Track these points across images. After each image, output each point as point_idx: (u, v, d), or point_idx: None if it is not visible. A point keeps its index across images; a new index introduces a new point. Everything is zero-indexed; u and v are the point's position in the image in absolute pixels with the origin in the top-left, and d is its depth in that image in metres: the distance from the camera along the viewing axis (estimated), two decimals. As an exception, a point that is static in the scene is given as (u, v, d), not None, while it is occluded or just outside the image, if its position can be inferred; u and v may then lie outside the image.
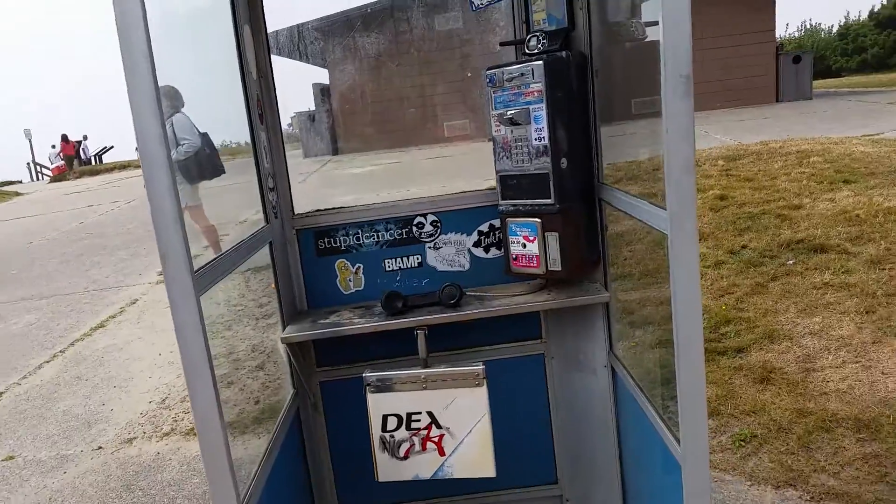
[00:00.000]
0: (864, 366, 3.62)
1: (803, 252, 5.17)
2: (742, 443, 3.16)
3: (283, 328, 2.41)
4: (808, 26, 38.10)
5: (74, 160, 28.67)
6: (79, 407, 4.71)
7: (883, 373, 3.53)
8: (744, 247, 5.47)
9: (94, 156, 30.56)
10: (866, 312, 4.14)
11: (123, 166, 25.89)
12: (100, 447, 4.08)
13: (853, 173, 7.04)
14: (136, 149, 1.44)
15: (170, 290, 1.45)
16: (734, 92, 18.34)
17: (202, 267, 1.64)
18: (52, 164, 30.81)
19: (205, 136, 6.61)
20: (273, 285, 2.90)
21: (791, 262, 5.05)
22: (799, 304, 4.41)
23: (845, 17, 36.55)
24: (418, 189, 10.98)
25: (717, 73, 17.67)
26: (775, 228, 5.73)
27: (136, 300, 7.19)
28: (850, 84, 25.47)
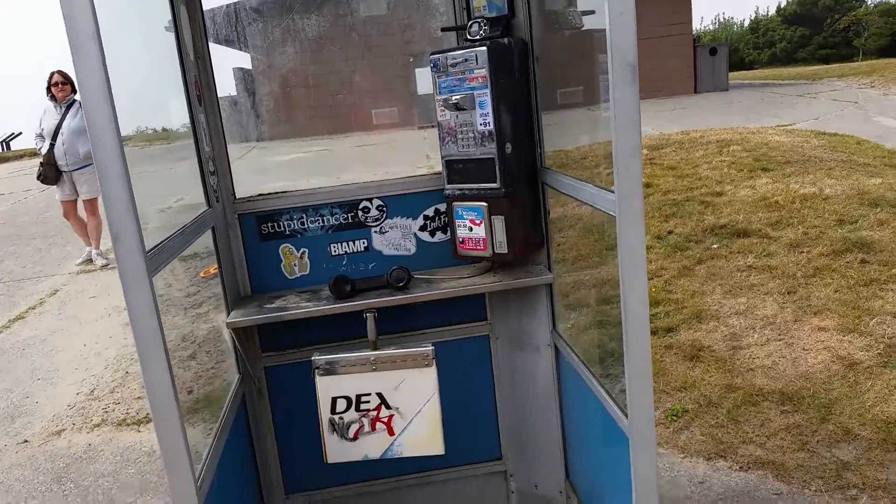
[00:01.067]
0: (786, 343, 3.85)
1: (727, 237, 5.43)
2: (675, 417, 3.31)
3: (228, 313, 2.37)
4: (721, 20, 39.77)
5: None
6: (1, 400, 4.49)
7: (804, 349, 3.76)
8: (670, 232, 5.70)
9: (2, 142, 28.86)
10: (787, 293, 4.39)
11: (34, 153, 24.54)
12: (25, 441, 3.91)
13: (770, 161, 7.42)
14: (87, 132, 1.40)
15: (122, 272, 1.42)
16: (655, 83, 18.95)
17: (153, 248, 1.60)
18: None
19: None
20: (203, 273, 2.83)
21: (715, 246, 5.29)
22: (724, 285, 4.64)
23: (755, 12, 38.40)
24: (349, 177, 10.89)
25: (639, 63, 18.19)
26: (699, 214, 5.99)
27: (57, 291, 6.87)
28: (763, 76, 26.76)
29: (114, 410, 4.16)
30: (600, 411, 2.01)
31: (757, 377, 3.54)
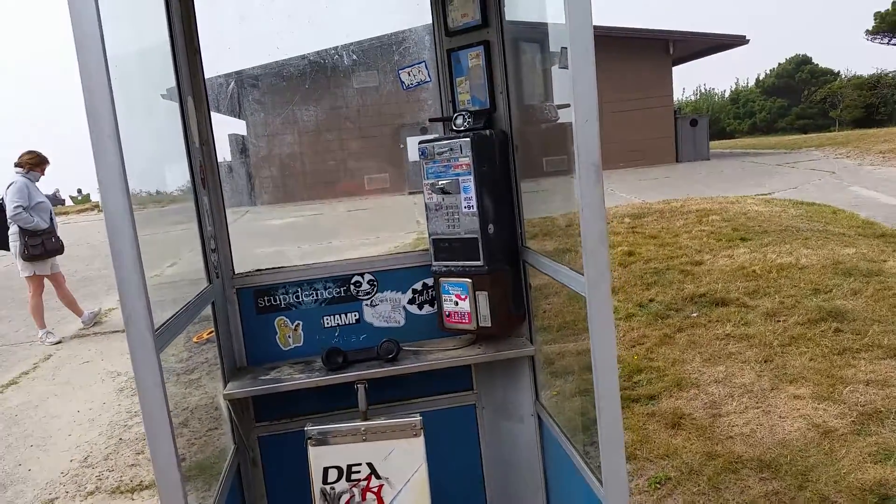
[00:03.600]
0: (764, 411, 3.96)
1: (706, 305, 5.59)
2: (657, 485, 3.39)
3: (225, 385, 2.48)
4: (702, 90, 41.13)
5: None
6: (-10, 469, 4.50)
7: (780, 416, 3.88)
8: (651, 300, 5.87)
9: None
10: (764, 361, 4.53)
11: None
12: (15, 511, 3.92)
13: (749, 231, 7.67)
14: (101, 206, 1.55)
15: (132, 350, 1.55)
16: (637, 152, 19.55)
17: (160, 326, 1.73)
18: None
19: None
20: (196, 338, 2.95)
21: (695, 314, 5.45)
22: (704, 353, 4.77)
23: (735, 83, 39.77)
24: (340, 242, 11.08)
25: (620, 133, 18.84)
26: (679, 283, 6.17)
27: (50, 356, 6.91)
28: (743, 145, 27.55)
29: (108, 478, 4.18)
30: (580, 482, 2.12)
31: (736, 444, 3.64)
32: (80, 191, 32.89)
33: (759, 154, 21.44)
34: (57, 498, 4.01)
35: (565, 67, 2.18)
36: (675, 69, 21.74)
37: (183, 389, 4.49)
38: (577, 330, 2.91)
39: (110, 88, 1.44)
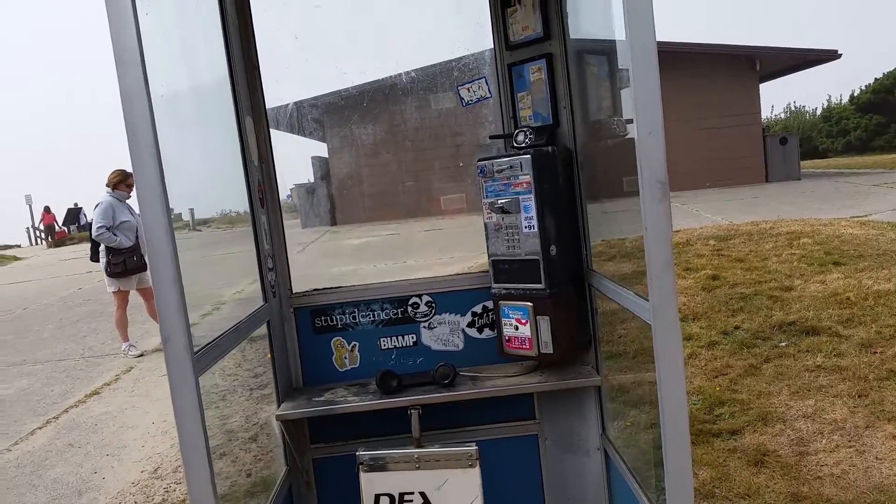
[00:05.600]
0: (857, 450, 3.62)
1: (795, 334, 5.22)
2: (735, 528, 3.13)
3: (279, 405, 2.44)
4: (792, 108, 39.27)
5: (54, 230, 29.20)
6: (70, 475, 4.65)
7: (877, 458, 3.53)
8: (737, 328, 5.52)
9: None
10: (858, 396, 4.16)
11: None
12: (88, 519, 4.02)
13: (843, 255, 7.16)
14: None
15: (170, 371, 1.51)
16: (724, 172, 18.83)
17: (202, 347, 1.70)
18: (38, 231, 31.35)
19: None
20: (269, 355, 2.94)
21: (783, 343, 5.09)
22: (792, 386, 4.43)
23: (827, 101, 37.77)
24: (414, 261, 11.10)
25: (706, 152, 18.21)
26: (767, 310, 5.80)
27: (132, 368, 7.16)
28: (837, 165, 26.10)
29: (175, 490, 4.24)
30: (644, 524, 1.94)
31: (825, 486, 3.33)
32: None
33: (855, 174, 20.23)
34: (126, 509, 4.09)
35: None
36: (763, 86, 20.90)
37: (255, 404, 4.53)
38: (646, 359, 2.72)
39: (150, 104, 1.41)
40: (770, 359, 4.90)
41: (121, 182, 7.50)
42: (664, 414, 1.60)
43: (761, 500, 3.30)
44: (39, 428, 5.67)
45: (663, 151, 1.51)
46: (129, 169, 1.46)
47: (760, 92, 20.06)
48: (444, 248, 11.59)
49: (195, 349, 1.54)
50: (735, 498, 3.37)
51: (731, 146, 19.00)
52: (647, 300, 1.61)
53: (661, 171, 1.50)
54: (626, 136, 2.34)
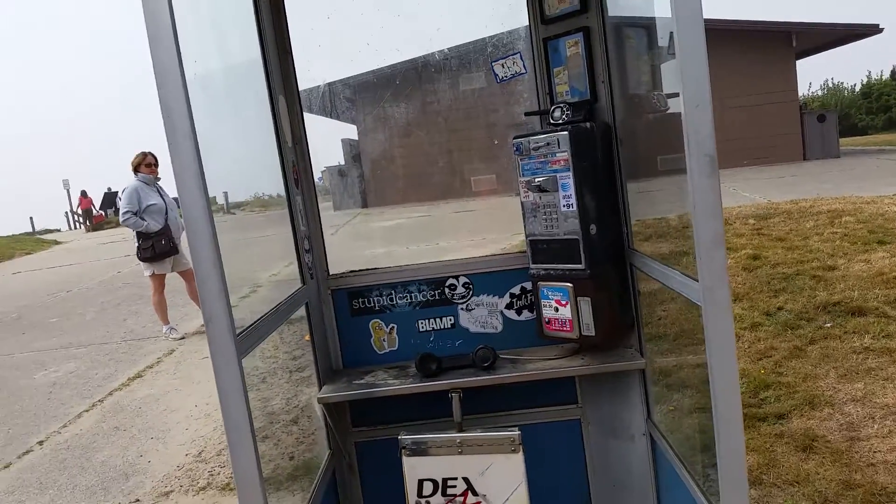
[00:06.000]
0: (910, 435, 3.51)
1: (840, 315, 5.07)
2: (783, 514, 3.06)
3: (320, 388, 2.44)
4: (830, 85, 38.00)
5: (92, 214, 29.80)
6: (117, 458, 4.75)
7: (931, 443, 3.42)
8: (780, 308, 5.39)
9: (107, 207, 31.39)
10: (910, 379, 4.03)
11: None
12: (137, 500, 4.10)
13: (887, 234, 6.94)
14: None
15: (213, 354, 1.50)
16: (761, 150, 18.41)
17: (244, 330, 1.69)
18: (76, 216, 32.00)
19: None
20: (307, 337, 2.96)
21: (829, 325, 4.96)
22: (839, 368, 4.31)
23: (867, 77, 36.42)
24: (446, 243, 11.06)
25: (742, 130, 17.80)
26: (810, 290, 5.65)
27: (173, 351, 7.29)
28: (877, 142, 25.28)
29: (219, 474, 4.30)
30: (693, 510, 1.90)
31: (879, 474, 3.23)
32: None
33: (898, 150, 19.61)
34: (172, 491, 4.16)
35: (674, 55, 1.97)
36: (799, 63, 20.30)
37: (294, 387, 4.56)
38: (693, 341, 2.65)
39: (184, 83, 1.39)
40: (815, 340, 4.77)
41: (140, 164, 7.50)
42: (716, 398, 1.55)
43: (811, 488, 3.21)
44: (86, 411, 5.80)
45: (711, 125, 1.45)
46: (166, 150, 1.43)
47: (797, 69, 19.51)
48: (477, 230, 11.53)
49: (237, 332, 1.53)
50: (784, 485, 3.29)
51: (768, 124, 18.55)
52: (697, 280, 1.55)
53: (710, 145, 1.44)
54: (667, 111, 2.26)
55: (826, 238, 7.07)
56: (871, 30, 19.63)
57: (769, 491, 3.26)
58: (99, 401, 6.02)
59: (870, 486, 3.13)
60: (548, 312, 2.39)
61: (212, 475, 4.30)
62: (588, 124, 2.24)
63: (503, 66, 2.43)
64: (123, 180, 7.58)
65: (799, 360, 4.51)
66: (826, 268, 6.10)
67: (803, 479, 3.28)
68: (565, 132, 2.19)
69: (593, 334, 2.29)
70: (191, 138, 1.42)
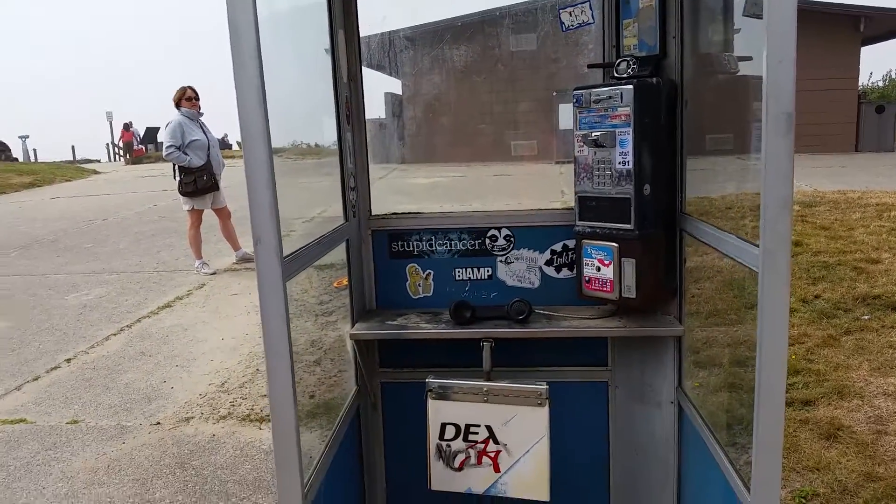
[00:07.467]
0: (940, 434, 3.44)
1: (880, 308, 4.96)
2: (803, 500, 3.03)
3: (353, 325, 2.44)
4: (893, 76, 36.61)
5: (133, 148, 30.06)
6: (141, 381, 4.87)
7: (960, 444, 3.35)
8: (817, 297, 5.29)
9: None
10: (946, 378, 3.94)
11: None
12: (158, 423, 4.21)
13: (939, 232, 6.74)
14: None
15: (260, 274, 1.50)
16: (813, 137, 17.84)
17: (290, 254, 1.68)
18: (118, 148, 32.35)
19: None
20: (336, 284, 2.96)
21: (866, 317, 4.85)
22: (873, 361, 4.23)
23: (931, 70, 34.95)
24: (481, 205, 11.00)
25: (796, 116, 17.23)
26: (851, 281, 5.52)
27: (204, 284, 7.40)
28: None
29: (240, 405, 4.38)
30: (722, 482, 1.87)
31: (904, 469, 3.18)
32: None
33: (957, 149, 18.92)
34: (192, 417, 4.26)
35: (752, 16, 1.87)
36: (864, 49, 19.48)
37: (319, 330, 4.61)
38: (737, 317, 2.60)
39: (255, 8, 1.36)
40: (851, 331, 4.68)
41: (181, 98, 7.52)
42: (761, 369, 1.50)
43: (832, 476, 3.18)
44: (114, 335, 5.94)
45: (793, 82, 1.38)
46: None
47: (860, 56, 18.77)
48: (513, 194, 11.43)
49: (284, 255, 1.52)
50: (803, 470, 3.26)
51: (823, 111, 17.94)
52: (756, 245, 1.50)
53: (789, 103, 1.38)
54: (737, 74, 2.17)
55: (872, 231, 6.89)
56: (946, 18, 18.76)
57: (788, 475, 3.23)
58: (127, 326, 6.15)
59: (892, 480, 3.09)
60: (589, 271, 2.35)
61: (233, 405, 4.39)
62: (654, 80, 2.16)
63: (570, 15, 2.34)
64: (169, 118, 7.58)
65: (832, 349, 4.43)
66: (869, 260, 5.95)
67: (824, 467, 3.24)
68: (629, 86, 2.12)
69: (633, 297, 2.25)
70: (255, 58, 1.39)
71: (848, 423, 3.61)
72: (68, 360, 5.36)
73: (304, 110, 2.63)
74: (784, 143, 1.41)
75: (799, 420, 3.66)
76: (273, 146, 1.48)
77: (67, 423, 4.28)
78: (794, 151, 1.44)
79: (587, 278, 2.37)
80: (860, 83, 21.45)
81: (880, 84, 36.01)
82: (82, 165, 27.34)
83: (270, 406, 1.53)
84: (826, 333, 4.64)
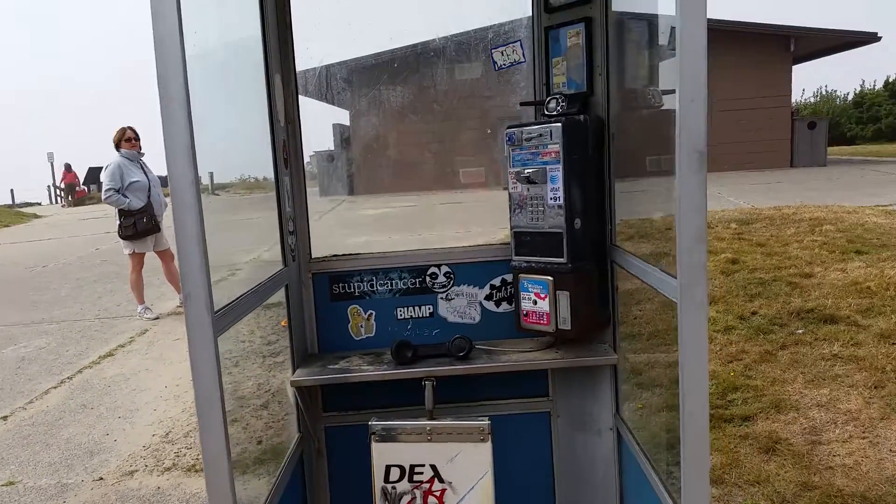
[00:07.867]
0: (871, 442, 3.58)
1: (813, 322, 5.15)
2: (745, 513, 3.11)
3: (294, 371, 2.43)
4: (823, 93, 38.41)
5: (75, 189, 29.41)
6: (82, 436, 4.71)
7: (891, 450, 3.49)
8: (754, 313, 5.46)
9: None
10: (875, 387, 4.10)
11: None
12: (101, 478, 4.07)
13: (865, 244, 7.05)
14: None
15: (189, 329, 1.49)
16: (749, 155, 18.55)
17: (222, 308, 1.68)
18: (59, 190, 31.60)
19: None
20: (283, 323, 2.96)
21: (801, 331, 5.03)
22: (807, 374, 4.38)
23: (860, 86, 36.81)
24: (430, 234, 11.06)
25: (732, 134, 17.90)
26: (786, 296, 5.73)
27: (147, 330, 7.22)
28: (865, 153, 25.67)
29: (185, 455, 4.27)
30: (658, 504, 1.92)
31: (837, 476, 3.29)
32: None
33: (882, 162, 19.89)
34: (136, 470, 4.13)
35: (674, 51, 1.98)
36: (796, 68, 20.42)
37: (267, 372, 4.55)
38: (666, 340, 2.68)
39: (184, 57, 1.38)
40: (786, 346, 4.85)
41: (121, 139, 7.37)
42: (684, 395, 1.57)
43: (771, 488, 3.27)
44: (54, 387, 5.74)
45: (705, 121, 1.46)
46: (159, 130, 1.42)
47: (792, 74, 19.64)
48: (462, 221, 11.54)
49: (215, 309, 1.52)
50: (745, 485, 3.35)
51: (758, 128, 18.67)
52: (675, 277, 1.57)
53: (701, 141, 1.45)
54: (662, 108, 2.27)
55: (805, 245, 7.17)
56: (869, 38, 19.80)
57: (730, 490, 3.32)
58: (68, 378, 5.95)
59: (826, 489, 3.20)
60: (526, 305, 2.40)
61: (178, 456, 4.28)
62: (581, 117, 2.25)
63: (503, 54, 2.42)
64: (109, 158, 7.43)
65: (769, 365, 4.58)
66: (803, 275, 6.19)
67: (764, 480, 3.34)
68: (558, 124, 2.20)
69: (569, 328, 2.31)
70: (184, 107, 1.40)
71: (785, 435, 3.73)
72: (4, 418, 5.15)
73: (248, 146, 2.64)
74: (696, 179, 1.48)
75: (739, 436, 3.76)
76: (218, 182, 1.48)
77: (3, 485, 4.10)
78: (706, 186, 1.51)
79: (525, 312, 2.42)
80: (793, 100, 22.43)
81: (812, 100, 37.66)
82: (21, 210, 26.50)
83: (204, 462, 1.51)
84: (763, 349, 4.80)
